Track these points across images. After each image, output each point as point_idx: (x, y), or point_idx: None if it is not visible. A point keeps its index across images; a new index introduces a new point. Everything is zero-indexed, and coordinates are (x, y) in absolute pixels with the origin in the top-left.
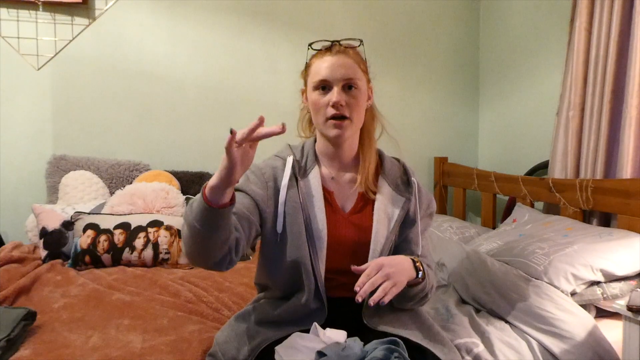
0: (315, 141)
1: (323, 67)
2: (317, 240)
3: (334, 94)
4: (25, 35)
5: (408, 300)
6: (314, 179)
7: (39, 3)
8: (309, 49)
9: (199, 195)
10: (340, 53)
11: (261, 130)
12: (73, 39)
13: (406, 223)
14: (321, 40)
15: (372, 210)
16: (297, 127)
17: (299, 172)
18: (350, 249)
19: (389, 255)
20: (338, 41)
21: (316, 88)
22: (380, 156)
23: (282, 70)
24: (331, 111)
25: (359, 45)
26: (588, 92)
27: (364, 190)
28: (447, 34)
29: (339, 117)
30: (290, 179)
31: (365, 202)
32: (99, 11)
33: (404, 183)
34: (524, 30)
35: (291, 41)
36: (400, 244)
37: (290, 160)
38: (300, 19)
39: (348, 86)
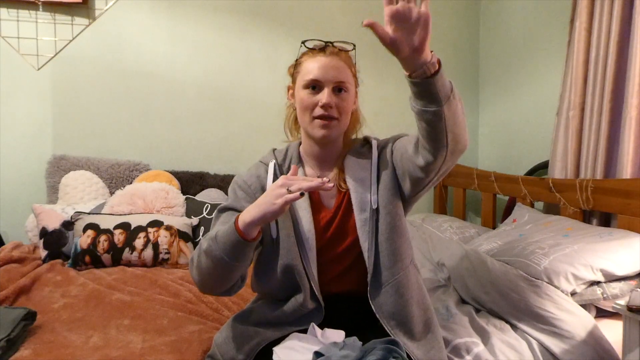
0: (300, 144)
1: (315, 67)
2: (305, 242)
3: (325, 95)
4: (25, 35)
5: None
6: None
7: (39, 3)
8: (301, 46)
9: (227, 230)
10: (333, 55)
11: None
12: (73, 39)
13: (386, 169)
14: (315, 39)
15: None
16: (284, 126)
17: None
18: (339, 244)
19: (382, 227)
20: (332, 42)
21: (306, 87)
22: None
23: (282, 70)
24: (319, 111)
25: (352, 50)
26: (588, 92)
27: (337, 184)
28: (447, 34)
29: (327, 117)
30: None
31: (344, 193)
32: (99, 11)
33: (365, 146)
34: (524, 30)
35: (291, 41)
36: (403, 161)
37: (272, 165)
38: (300, 20)
39: (338, 89)
